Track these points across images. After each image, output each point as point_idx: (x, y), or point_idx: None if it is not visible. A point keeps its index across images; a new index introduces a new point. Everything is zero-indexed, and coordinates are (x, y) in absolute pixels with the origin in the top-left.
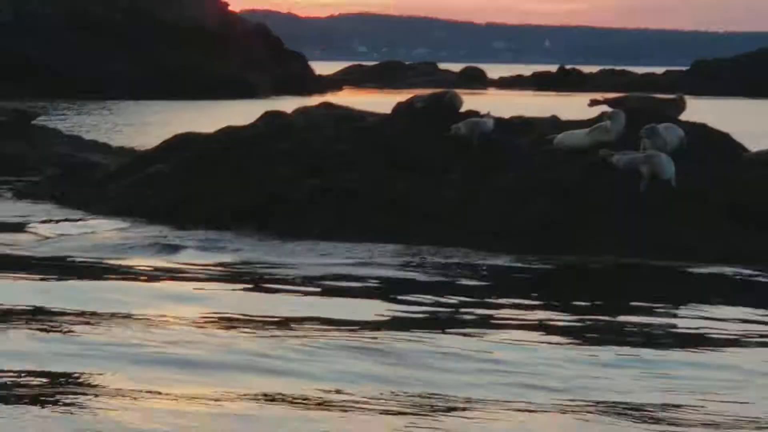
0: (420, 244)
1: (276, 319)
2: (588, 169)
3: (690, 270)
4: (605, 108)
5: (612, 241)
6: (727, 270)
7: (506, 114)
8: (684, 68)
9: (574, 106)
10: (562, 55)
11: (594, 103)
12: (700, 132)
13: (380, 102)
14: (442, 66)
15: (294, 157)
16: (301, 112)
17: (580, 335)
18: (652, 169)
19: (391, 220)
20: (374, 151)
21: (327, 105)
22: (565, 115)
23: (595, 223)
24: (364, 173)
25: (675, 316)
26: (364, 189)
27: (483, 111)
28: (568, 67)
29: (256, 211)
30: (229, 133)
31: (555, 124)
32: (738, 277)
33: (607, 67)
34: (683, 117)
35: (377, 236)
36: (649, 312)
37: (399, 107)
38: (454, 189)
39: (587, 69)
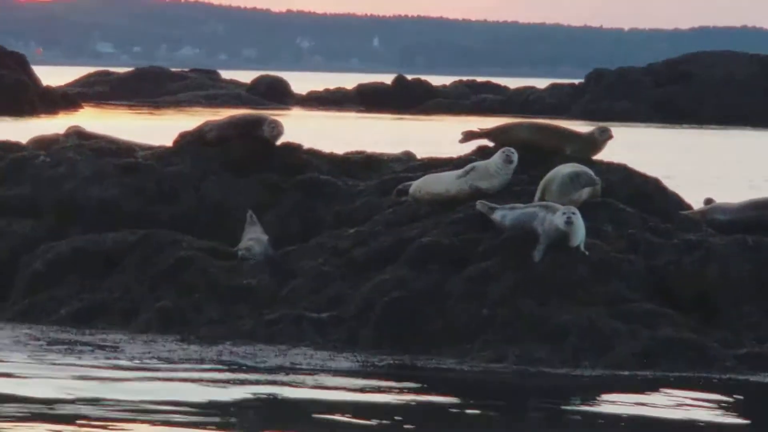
0: (208, 337)
1: None
2: (457, 228)
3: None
4: (485, 143)
5: (497, 336)
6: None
7: (328, 146)
8: (575, 81)
9: (428, 136)
10: (396, 60)
11: (469, 137)
12: (619, 176)
13: (144, 126)
14: (226, 74)
15: (33, 208)
16: (39, 141)
17: None
18: (554, 231)
19: (170, 301)
20: (150, 202)
21: (78, 132)
22: (418, 149)
23: (467, 309)
24: (133, 232)
25: None
26: (132, 254)
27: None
28: (409, 77)
29: None
30: None
31: (412, 162)
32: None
33: (465, 78)
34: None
35: (150, 323)
36: None
37: (183, 138)
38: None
39: (436, 80)
